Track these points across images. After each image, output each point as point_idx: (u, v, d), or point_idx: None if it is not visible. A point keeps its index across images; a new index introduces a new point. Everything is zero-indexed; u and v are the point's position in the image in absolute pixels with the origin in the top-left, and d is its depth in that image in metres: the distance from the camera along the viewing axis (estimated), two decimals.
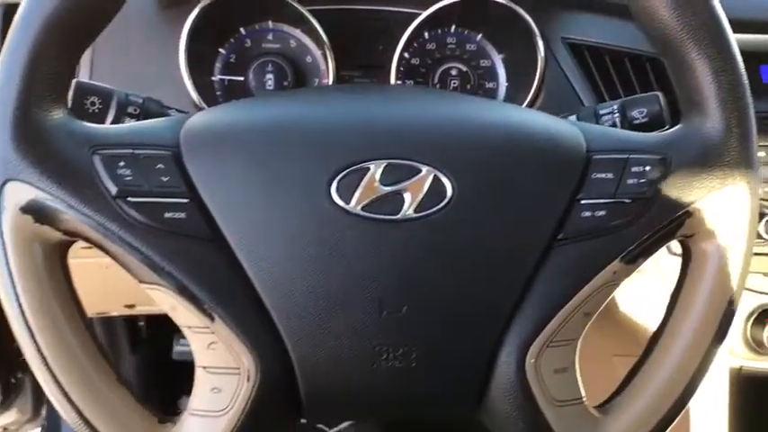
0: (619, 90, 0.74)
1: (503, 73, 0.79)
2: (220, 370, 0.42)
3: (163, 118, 0.48)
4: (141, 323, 1.23)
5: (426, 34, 0.77)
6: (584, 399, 0.46)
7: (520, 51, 0.76)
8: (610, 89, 0.74)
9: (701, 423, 0.80)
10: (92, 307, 0.96)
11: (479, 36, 0.78)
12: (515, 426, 0.45)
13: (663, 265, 0.64)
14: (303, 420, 0.46)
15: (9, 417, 1.32)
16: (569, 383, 0.45)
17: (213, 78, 0.77)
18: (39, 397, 1.31)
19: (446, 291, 0.43)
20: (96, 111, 0.54)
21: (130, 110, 0.55)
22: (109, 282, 0.87)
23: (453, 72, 0.78)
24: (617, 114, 0.57)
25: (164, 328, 1.26)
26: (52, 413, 1.28)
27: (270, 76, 0.76)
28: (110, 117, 0.54)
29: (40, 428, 1.31)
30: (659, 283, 0.70)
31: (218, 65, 0.77)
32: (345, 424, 1.15)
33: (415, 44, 0.77)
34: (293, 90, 0.74)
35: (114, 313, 1.02)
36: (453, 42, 0.78)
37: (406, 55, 0.77)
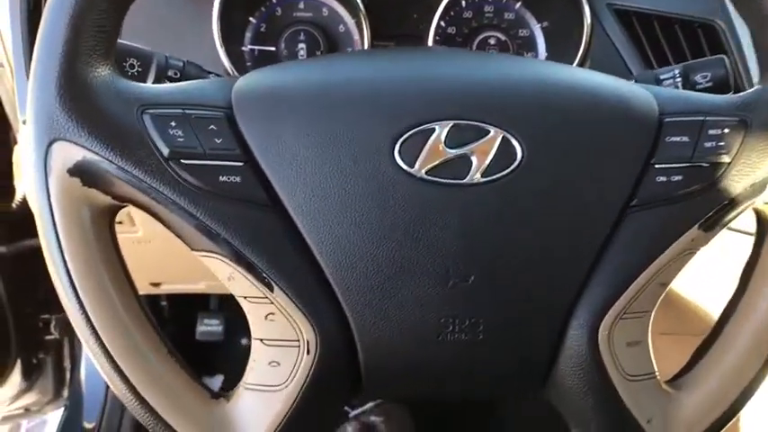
0: (669, 58, 0.71)
1: (542, 43, 0.76)
2: (279, 342, 0.40)
3: (210, 79, 0.45)
4: (164, 303, 1.21)
5: (463, 2, 0.74)
6: (656, 373, 0.44)
7: (562, 19, 0.72)
8: (659, 58, 0.71)
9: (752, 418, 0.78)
10: None
11: (518, 4, 0.75)
12: (584, 401, 0.42)
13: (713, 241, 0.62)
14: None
15: (31, 397, 1.31)
16: (642, 357, 0.43)
17: (243, 49, 0.75)
18: (60, 378, 1.30)
19: (515, 259, 0.40)
20: (136, 73, 0.52)
21: (170, 73, 0.53)
22: (135, 259, 0.85)
23: (491, 41, 0.75)
24: (679, 79, 0.55)
25: (186, 308, 1.24)
26: (74, 394, 1.27)
27: (302, 45, 0.74)
28: (149, 80, 0.52)
29: (62, 408, 1.31)
30: (709, 258, 0.67)
31: (248, 34, 0.74)
32: (370, 404, 1.14)
33: (452, 12, 0.74)
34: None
35: (140, 292, 1.00)
36: (491, 11, 0.75)
37: (443, 23, 0.74)
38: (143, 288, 0.99)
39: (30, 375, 1.28)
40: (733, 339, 0.45)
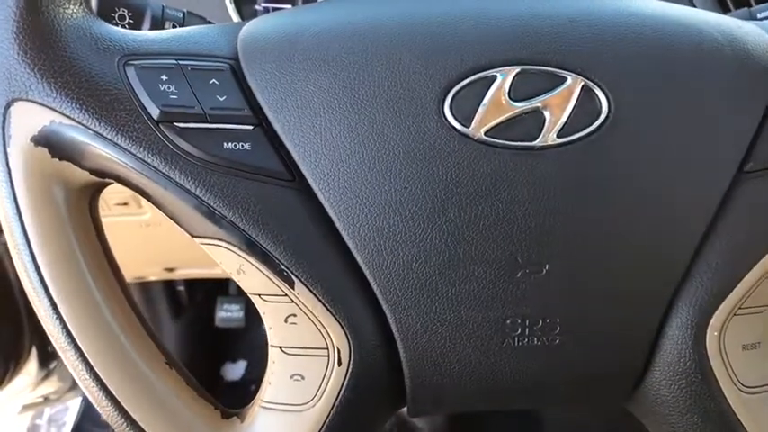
0: (751, 3, 0.61)
1: None
2: (303, 350, 0.32)
3: (211, 25, 0.37)
4: (181, 288, 1.14)
5: None
6: None
7: None
8: (739, 3, 0.61)
9: None
10: (128, 271, 0.87)
11: None
12: (687, 418, 0.34)
13: None
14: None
15: (50, 386, 1.26)
16: (761, 363, 0.34)
17: (257, 7, 0.67)
18: None
19: (601, 242, 0.32)
20: (126, 26, 0.43)
21: (168, 26, 0.44)
22: (147, 242, 0.78)
23: None
24: None
25: (205, 294, 1.17)
26: None
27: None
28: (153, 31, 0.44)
29: (81, 397, 1.25)
30: None
31: None
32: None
33: None
34: None
35: (153, 278, 0.93)
36: None
37: None
38: (157, 274, 0.91)
39: (46, 363, 1.23)
40: None
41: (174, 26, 0.45)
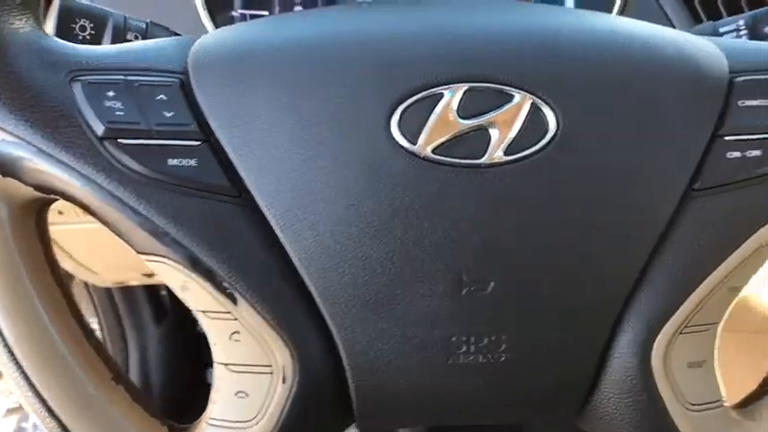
0: (721, 11, 0.61)
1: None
2: (247, 368, 0.32)
3: (166, 38, 0.37)
4: (164, 293, 1.14)
5: None
6: (723, 400, 0.35)
7: None
8: (709, 10, 0.61)
9: None
10: (107, 276, 0.87)
11: None
12: None
13: None
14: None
15: None
16: (707, 381, 0.34)
17: (234, 14, 0.66)
18: None
19: (547, 260, 0.32)
20: (87, 37, 0.43)
21: (130, 36, 0.44)
22: (119, 249, 0.77)
23: None
24: (744, 31, 0.45)
25: None
26: None
27: (299, 9, 0.65)
28: (104, 45, 0.43)
29: None
30: None
31: None
32: None
33: None
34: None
35: (133, 282, 0.92)
36: None
37: None
38: (136, 279, 0.91)
39: None
40: None
41: (136, 37, 0.45)
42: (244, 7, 0.67)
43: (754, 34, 0.45)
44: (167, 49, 0.34)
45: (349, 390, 0.33)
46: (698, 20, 0.61)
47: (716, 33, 0.46)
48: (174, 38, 0.37)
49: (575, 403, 0.34)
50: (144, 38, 0.45)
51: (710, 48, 0.35)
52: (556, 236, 0.32)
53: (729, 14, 0.60)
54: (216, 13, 0.63)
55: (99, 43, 0.44)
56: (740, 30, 0.45)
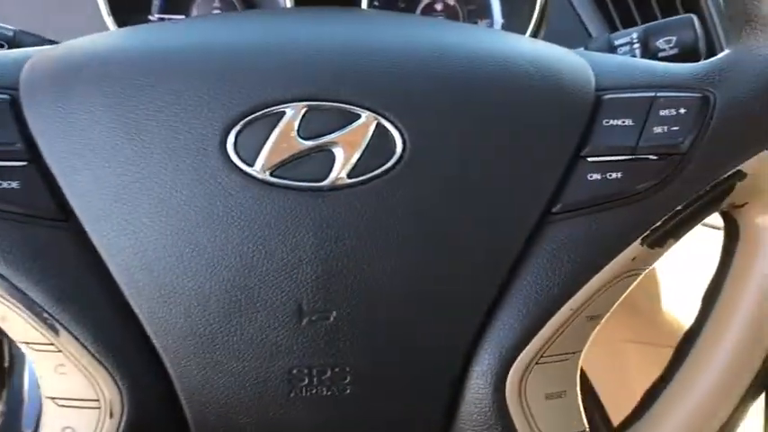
0: (637, 21, 0.60)
1: (498, 8, 0.65)
2: (73, 402, 0.30)
3: (6, 51, 0.35)
4: None
5: None
6: (585, 430, 0.34)
7: None
8: (626, 21, 0.60)
9: None
10: None
11: None
12: None
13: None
14: None
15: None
16: (566, 413, 0.33)
17: (151, 18, 0.64)
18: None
19: (393, 288, 0.30)
20: None
21: None
22: None
23: (438, 7, 0.64)
24: (637, 45, 0.44)
25: None
26: (12, 398, 1.18)
27: (217, 12, 0.63)
28: None
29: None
30: (684, 257, 0.57)
31: (155, 2, 0.64)
32: None
33: None
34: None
35: None
36: None
37: None
38: None
39: None
40: (694, 378, 0.35)
41: (2, 45, 0.42)
42: (162, 12, 0.65)
43: (647, 48, 0.43)
44: (2, 63, 0.32)
45: (188, 426, 0.31)
46: (614, 27, 0.60)
47: (611, 46, 0.45)
48: (13, 50, 0.35)
49: None
50: (10, 46, 0.42)
51: (578, 64, 0.34)
52: (401, 263, 0.30)
53: (644, 22, 0.60)
54: (129, 17, 0.61)
55: None
56: (633, 43, 0.44)
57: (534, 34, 0.59)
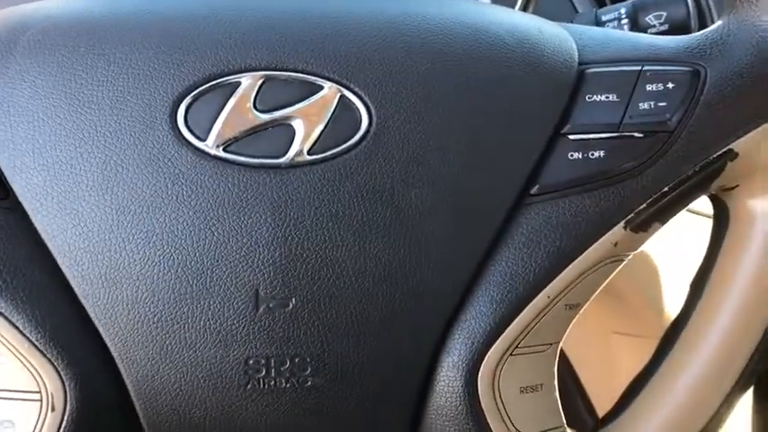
0: None
1: None
2: (12, 394, 0.28)
3: None
4: None
5: None
6: (563, 427, 0.32)
7: None
8: None
9: None
10: None
11: None
12: None
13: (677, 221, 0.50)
14: None
15: None
16: (542, 407, 0.31)
17: None
18: None
19: (357, 273, 0.28)
20: None
21: None
22: None
23: None
24: (625, 20, 0.42)
25: None
26: None
27: None
28: None
29: None
30: (672, 243, 0.55)
31: None
32: None
33: None
34: None
35: None
36: None
37: None
38: None
39: None
40: (680, 370, 0.33)
41: None
42: None
43: (635, 23, 0.41)
44: None
45: (139, 419, 0.29)
46: (601, 2, 0.58)
47: (598, 21, 0.43)
48: None
49: (401, 430, 0.31)
50: None
51: (560, 35, 0.32)
52: (365, 247, 0.28)
53: None
54: None
55: None
56: (621, 18, 0.42)
57: (524, 7, 0.57)
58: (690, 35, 0.32)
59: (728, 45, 0.31)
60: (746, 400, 0.62)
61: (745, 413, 0.61)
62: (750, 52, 0.30)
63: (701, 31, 0.32)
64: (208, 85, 0.28)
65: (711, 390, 0.33)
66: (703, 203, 0.36)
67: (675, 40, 0.32)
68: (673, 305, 0.62)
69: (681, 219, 0.37)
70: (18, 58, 0.28)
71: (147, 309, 0.28)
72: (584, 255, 0.29)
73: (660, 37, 0.33)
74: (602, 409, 0.37)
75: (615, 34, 0.33)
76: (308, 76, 0.28)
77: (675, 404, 0.33)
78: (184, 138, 0.27)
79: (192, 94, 0.27)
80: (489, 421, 0.29)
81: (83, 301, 0.28)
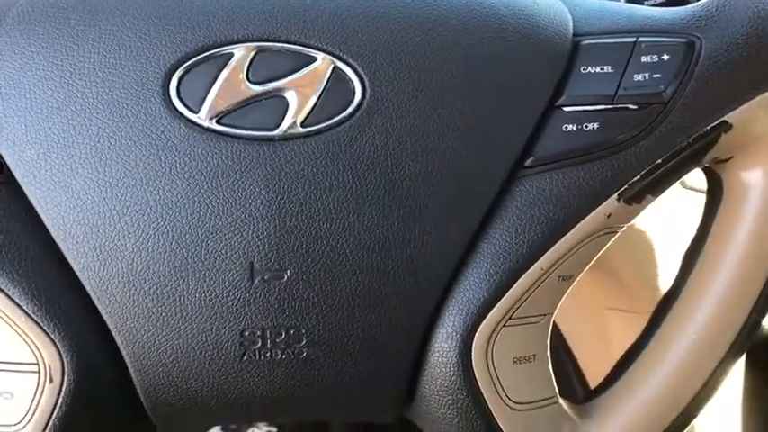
0: None
1: None
2: (10, 366, 0.28)
3: None
4: None
5: None
6: (556, 397, 0.32)
7: None
8: None
9: None
10: None
11: None
12: None
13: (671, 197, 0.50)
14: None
15: None
16: (535, 378, 0.31)
17: None
18: None
19: (352, 245, 0.28)
20: None
21: None
22: None
23: None
24: None
25: None
26: None
27: None
28: None
29: None
30: (666, 219, 0.55)
31: None
32: None
33: None
34: None
35: None
36: None
37: None
38: None
39: None
40: (671, 344, 0.34)
41: None
42: None
43: None
44: None
45: (137, 389, 0.29)
46: None
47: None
48: None
49: (393, 403, 0.31)
50: None
51: (555, 6, 0.31)
52: (360, 219, 0.28)
53: None
54: None
55: None
56: None
57: None
58: (686, 6, 0.32)
59: (724, 16, 0.30)
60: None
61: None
62: (745, 24, 0.30)
63: (697, 2, 0.32)
64: (200, 57, 0.27)
65: (705, 357, 0.33)
66: (700, 179, 0.36)
67: (671, 11, 0.32)
68: (667, 282, 0.62)
69: (676, 196, 0.37)
70: (8, 29, 0.28)
71: (143, 281, 0.28)
72: (577, 226, 0.30)
73: (656, 9, 0.33)
74: (594, 382, 0.37)
75: (611, 6, 0.33)
76: (301, 48, 0.28)
77: (668, 372, 0.33)
78: (177, 110, 0.27)
79: (185, 65, 0.27)
80: (483, 391, 0.30)
81: (78, 274, 0.28)
